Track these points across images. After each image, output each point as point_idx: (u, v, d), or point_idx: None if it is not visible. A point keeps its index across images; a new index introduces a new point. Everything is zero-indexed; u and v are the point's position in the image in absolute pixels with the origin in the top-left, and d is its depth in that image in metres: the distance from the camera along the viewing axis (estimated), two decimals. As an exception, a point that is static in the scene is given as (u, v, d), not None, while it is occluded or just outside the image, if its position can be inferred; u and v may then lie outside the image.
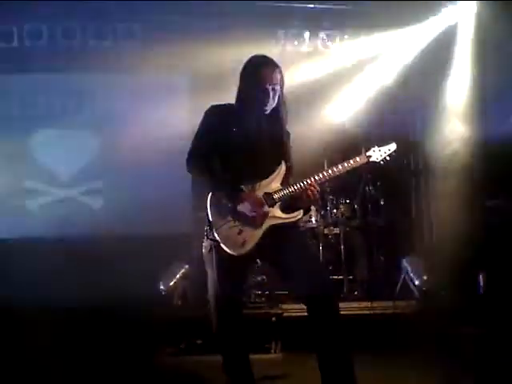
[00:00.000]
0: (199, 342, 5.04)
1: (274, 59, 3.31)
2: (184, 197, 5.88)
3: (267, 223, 3.18)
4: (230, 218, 3.15)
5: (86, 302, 5.12)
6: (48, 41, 6.52)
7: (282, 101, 3.31)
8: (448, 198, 5.89)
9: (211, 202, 3.19)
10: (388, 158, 3.38)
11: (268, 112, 3.28)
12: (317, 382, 3.16)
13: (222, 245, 3.13)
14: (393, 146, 3.41)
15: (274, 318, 5.20)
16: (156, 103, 6.63)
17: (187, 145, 3.36)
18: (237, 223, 3.15)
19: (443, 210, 5.75)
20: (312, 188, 3.21)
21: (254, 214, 3.14)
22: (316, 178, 3.24)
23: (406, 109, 6.35)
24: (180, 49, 6.18)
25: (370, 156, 3.36)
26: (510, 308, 4.90)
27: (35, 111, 7.02)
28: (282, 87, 3.29)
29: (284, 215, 3.23)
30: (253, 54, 3.37)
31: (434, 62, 6.44)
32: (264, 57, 3.34)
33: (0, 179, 6.54)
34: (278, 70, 3.27)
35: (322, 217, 6.17)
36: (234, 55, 5.18)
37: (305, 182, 3.23)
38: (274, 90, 3.23)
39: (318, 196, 3.25)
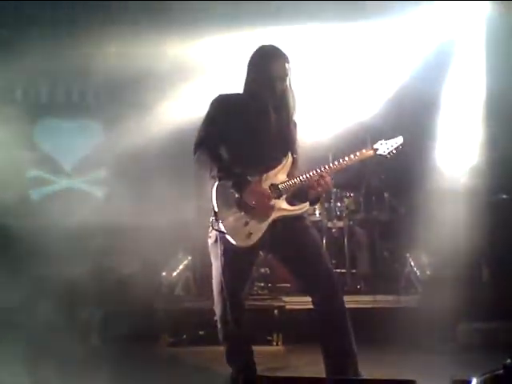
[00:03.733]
0: (201, 332, 5.04)
1: (282, 49, 3.29)
2: (187, 186, 5.86)
3: (273, 215, 3.16)
4: (236, 209, 3.13)
5: (88, 291, 5.12)
6: (51, 29, 6.52)
7: (289, 91, 3.28)
8: (452, 192, 5.87)
9: (217, 192, 3.15)
10: (395, 152, 3.35)
11: (275, 102, 3.25)
12: (318, 374, 3.16)
13: (228, 236, 3.10)
14: (400, 140, 3.37)
15: (276, 311, 5.20)
16: (160, 92, 6.62)
17: (191, 133, 3.34)
18: (243, 214, 3.12)
19: (447, 204, 5.73)
20: (322, 179, 3.18)
21: (260, 205, 3.12)
22: (322, 169, 3.21)
23: (412, 103, 6.30)
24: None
25: (376, 149, 3.34)
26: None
27: (39, 99, 7.01)
28: (290, 77, 3.25)
29: (290, 207, 3.22)
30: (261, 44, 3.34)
31: (443, 59, 6.41)
32: (272, 47, 3.31)
33: (3, 168, 6.52)
34: (285, 61, 3.25)
35: (326, 210, 6.15)
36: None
37: (311, 174, 3.20)
38: (281, 81, 3.21)
39: (329, 186, 3.23)
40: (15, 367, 3.79)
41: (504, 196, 6.09)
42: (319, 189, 3.19)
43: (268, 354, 4.61)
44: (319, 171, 3.21)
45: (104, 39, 6.58)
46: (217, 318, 3.31)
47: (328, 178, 3.19)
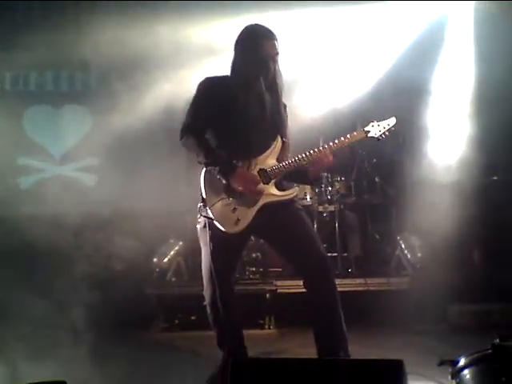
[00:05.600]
0: (193, 317, 5.06)
1: (270, 28, 3.23)
2: (179, 173, 5.85)
3: (262, 201, 3.13)
4: (224, 196, 3.10)
5: (79, 277, 5.11)
6: (40, 15, 6.46)
7: (278, 72, 3.22)
8: (444, 175, 5.89)
9: (205, 178, 3.13)
10: (387, 133, 3.29)
11: (264, 84, 3.19)
12: (310, 356, 3.17)
13: (216, 222, 3.07)
14: (392, 121, 3.31)
15: (268, 295, 5.22)
16: (151, 78, 6.58)
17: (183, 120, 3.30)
18: (231, 200, 3.09)
19: (438, 187, 5.75)
20: (323, 158, 3.14)
21: (248, 191, 3.09)
22: (312, 153, 3.17)
23: (403, 87, 6.28)
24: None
25: (368, 131, 3.28)
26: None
27: (28, 87, 6.95)
28: (278, 57, 3.20)
29: (279, 192, 3.19)
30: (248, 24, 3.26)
31: (431, 45, 6.39)
32: (260, 26, 3.24)
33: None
34: (275, 39, 3.18)
35: (317, 194, 6.15)
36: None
37: (299, 156, 3.17)
38: (272, 60, 3.15)
39: (329, 163, 3.19)
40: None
41: (495, 178, 6.11)
42: (317, 168, 3.18)
43: (260, 338, 4.64)
44: (308, 154, 3.17)
45: (94, 25, 6.53)
46: (206, 302, 3.31)
47: (326, 158, 3.15)
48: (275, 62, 3.17)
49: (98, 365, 3.82)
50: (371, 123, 3.30)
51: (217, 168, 3.10)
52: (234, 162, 3.12)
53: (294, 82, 5.63)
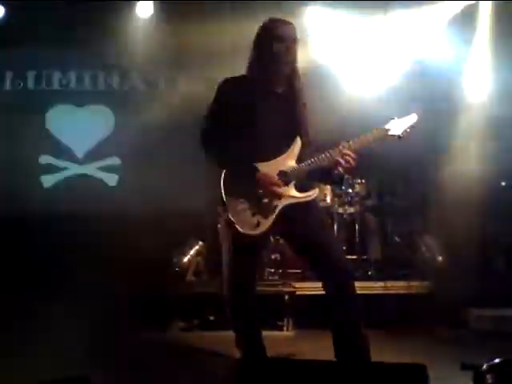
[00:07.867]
0: (212, 318, 5.07)
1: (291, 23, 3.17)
2: (199, 173, 5.86)
3: (282, 203, 3.08)
4: (243, 199, 3.06)
5: (99, 277, 5.14)
6: (63, 14, 6.50)
7: (296, 70, 3.17)
8: (464, 177, 5.83)
9: (225, 181, 3.09)
10: (408, 131, 3.16)
11: (283, 84, 3.16)
12: (328, 359, 3.14)
13: (237, 226, 3.05)
14: (414, 118, 3.18)
15: (286, 296, 5.21)
16: (173, 78, 6.61)
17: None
18: (251, 204, 3.06)
19: (460, 190, 5.69)
20: (343, 158, 3.07)
21: (268, 194, 3.06)
22: (332, 153, 3.10)
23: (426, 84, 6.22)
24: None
25: (388, 129, 3.16)
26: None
27: (52, 85, 7.01)
28: (297, 54, 3.14)
29: (299, 194, 3.13)
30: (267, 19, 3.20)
31: (454, 39, 6.34)
32: (277, 22, 3.16)
33: (15, 154, 6.55)
34: (292, 36, 3.12)
35: (337, 196, 6.12)
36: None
37: (320, 157, 3.10)
38: (288, 58, 3.10)
39: (352, 164, 3.09)
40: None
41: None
42: (340, 168, 3.10)
43: (279, 339, 4.62)
44: (328, 154, 3.10)
45: (116, 23, 6.57)
46: (225, 302, 3.30)
47: (349, 156, 3.07)
48: (292, 59, 3.12)
49: (115, 363, 3.85)
50: (391, 120, 3.19)
51: (237, 171, 3.09)
52: (254, 164, 3.09)
53: (317, 77, 5.60)
